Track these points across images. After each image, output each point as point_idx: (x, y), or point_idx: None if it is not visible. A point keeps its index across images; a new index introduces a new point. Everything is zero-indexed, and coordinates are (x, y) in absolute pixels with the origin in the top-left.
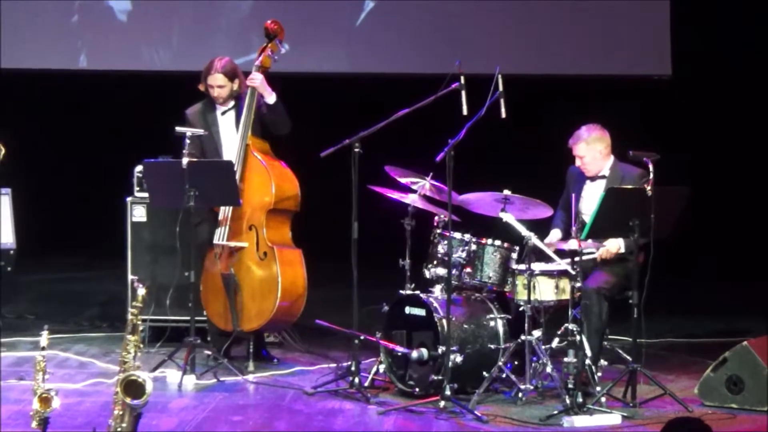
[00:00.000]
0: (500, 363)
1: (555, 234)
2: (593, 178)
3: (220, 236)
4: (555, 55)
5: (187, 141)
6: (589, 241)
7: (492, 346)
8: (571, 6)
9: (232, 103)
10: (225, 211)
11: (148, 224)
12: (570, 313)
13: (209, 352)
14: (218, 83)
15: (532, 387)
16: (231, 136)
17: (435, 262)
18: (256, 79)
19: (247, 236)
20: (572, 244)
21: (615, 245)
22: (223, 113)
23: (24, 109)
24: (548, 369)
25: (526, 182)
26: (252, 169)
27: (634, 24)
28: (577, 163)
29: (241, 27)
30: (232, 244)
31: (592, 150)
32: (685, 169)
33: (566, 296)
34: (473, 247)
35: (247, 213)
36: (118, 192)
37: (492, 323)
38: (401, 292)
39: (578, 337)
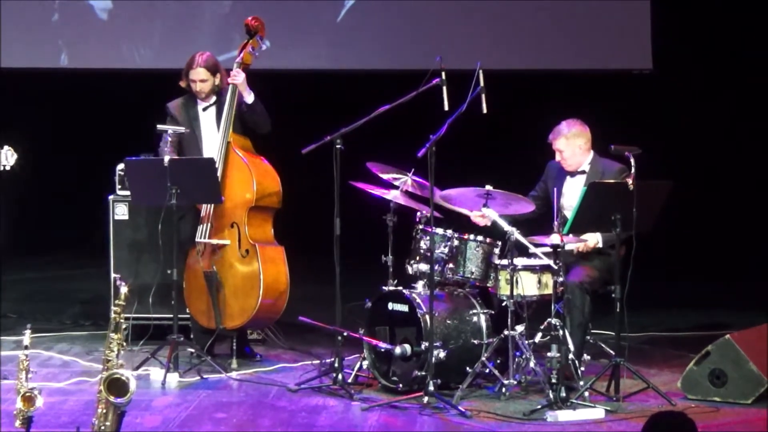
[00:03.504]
0: (483, 358)
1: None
2: (573, 174)
3: (201, 234)
4: (536, 51)
5: (168, 138)
6: (571, 235)
7: (475, 342)
8: (552, 1)
9: (213, 99)
10: (207, 209)
11: (131, 222)
12: (553, 307)
13: (192, 350)
14: (200, 77)
15: (515, 382)
16: (212, 132)
17: (417, 258)
18: (239, 77)
19: (229, 234)
20: (554, 239)
21: (593, 239)
22: (205, 109)
23: (4, 109)
24: (531, 364)
25: (508, 177)
26: (233, 166)
27: (614, 18)
28: (557, 158)
29: (222, 24)
30: (214, 241)
31: (572, 145)
32: (666, 163)
33: (549, 291)
34: (455, 242)
35: (229, 210)
36: (100, 190)
37: (475, 318)
38: (384, 288)
39: (561, 332)
